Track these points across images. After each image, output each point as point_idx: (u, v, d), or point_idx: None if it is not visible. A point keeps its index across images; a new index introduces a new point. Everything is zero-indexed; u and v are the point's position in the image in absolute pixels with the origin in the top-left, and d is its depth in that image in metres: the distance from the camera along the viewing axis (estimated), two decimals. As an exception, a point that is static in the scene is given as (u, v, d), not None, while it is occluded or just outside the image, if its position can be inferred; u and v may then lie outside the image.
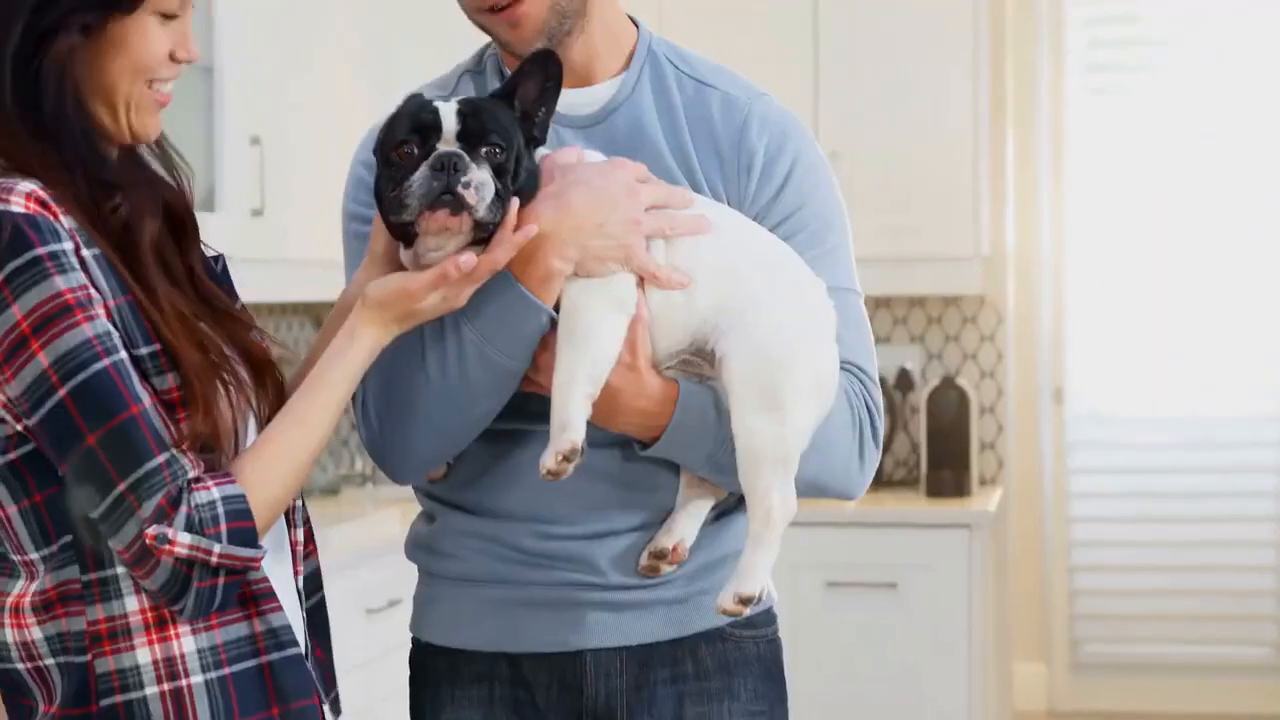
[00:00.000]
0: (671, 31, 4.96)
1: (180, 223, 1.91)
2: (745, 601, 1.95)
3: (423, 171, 1.85)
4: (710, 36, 5.02)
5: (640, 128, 2.10)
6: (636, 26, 2.17)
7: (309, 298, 4.53)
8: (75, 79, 1.80)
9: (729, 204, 2.08)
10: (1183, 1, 6.02)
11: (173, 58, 1.86)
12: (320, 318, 5.06)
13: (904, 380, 5.56)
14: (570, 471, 1.90)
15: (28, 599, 1.80)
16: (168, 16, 1.84)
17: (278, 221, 4.12)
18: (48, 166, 1.78)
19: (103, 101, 1.84)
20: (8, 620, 1.82)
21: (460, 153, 1.86)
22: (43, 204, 1.74)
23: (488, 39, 2.13)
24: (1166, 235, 5.96)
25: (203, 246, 1.99)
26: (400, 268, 1.93)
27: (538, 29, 2.04)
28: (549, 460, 1.89)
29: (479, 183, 1.85)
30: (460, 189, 1.84)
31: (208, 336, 1.83)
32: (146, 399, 1.73)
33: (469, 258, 1.85)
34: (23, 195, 1.73)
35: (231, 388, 1.82)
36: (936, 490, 5.31)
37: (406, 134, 1.88)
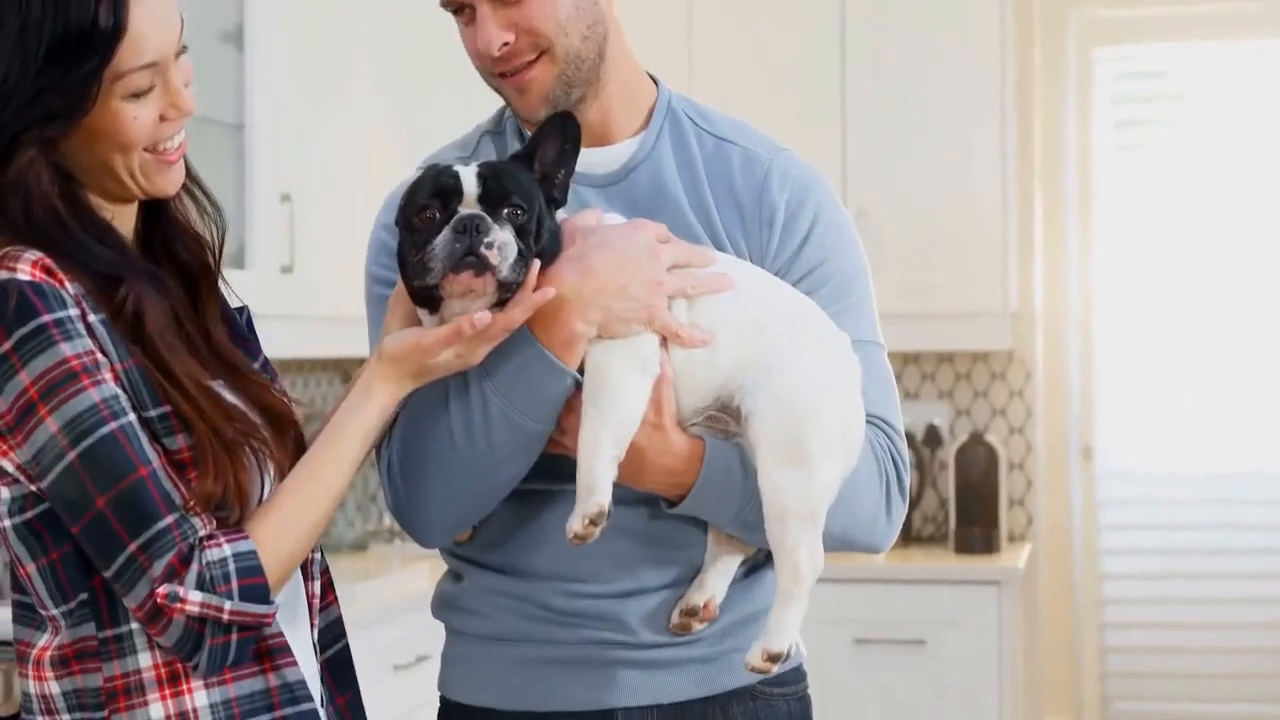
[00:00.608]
0: (700, 89, 4.99)
1: (197, 283, 1.92)
2: (774, 659, 1.94)
3: (445, 234, 1.85)
4: (739, 94, 5.05)
5: (661, 185, 2.10)
6: (656, 84, 2.18)
7: (338, 353, 4.54)
8: (43, 188, 1.80)
9: (751, 260, 2.08)
10: (1208, 56, 6.01)
11: (163, 118, 1.85)
12: (349, 374, 5.07)
13: (932, 436, 5.54)
14: (597, 535, 1.89)
15: (48, 653, 1.82)
16: (138, 94, 1.83)
17: (307, 278, 4.14)
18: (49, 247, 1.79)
19: (107, 174, 1.85)
20: (30, 672, 1.84)
21: (482, 214, 1.86)
22: (48, 271, 1.75)
23: None
24: (1195, 290, 5.94)
25: (228, 298, 2.00)
26: None
27: (544, 96, 2.05)
28: (576, 524, 1.89)
29: (502, 243, 1.85)
30: (483, 250, 1.84)
31: (219, 398, 1.83)
32: (155, 460, 1.75)
33: (484, 315, 1.85)
34: (29, 263, 1.75)
35: (246, 448, 1.82)
36: (965, 547, 5.29)
37: (428, 198, 1.88)
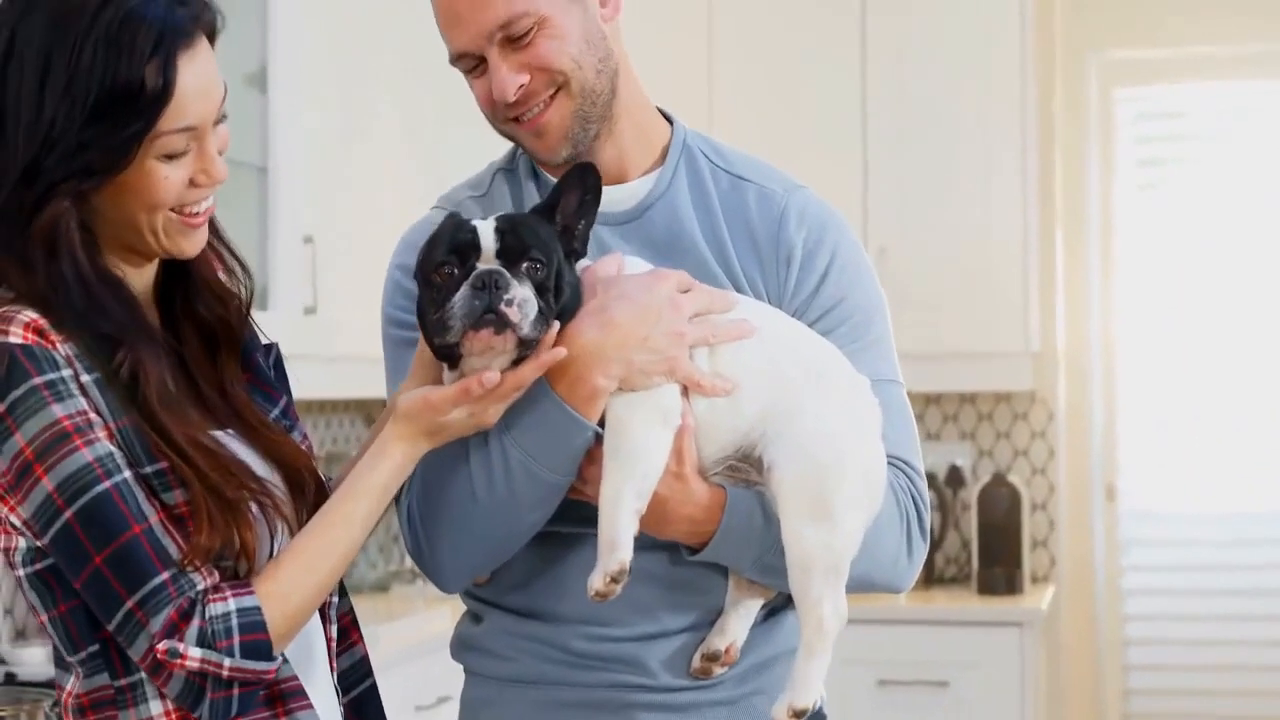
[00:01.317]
0: (721, 128, 5.00)
1: (216, 340, 1.93)
2: (800, 714, 1.92)
3: (464, 291, 1.83)
4: (760, 133, 5.06)
5: (677, 223, 2.10)
6: (670, 122, 2.18)
7: (361, 395, 4.54)
8: (69, 239, 1.80)
9: (768, 298, 2.07)
10: (1228, 96, 6.01)
11: (193, 183, 1.85)
12: (371, 415, 5.07)
13: (955, 477, 5.53)
14: (619, 592, 1.88)
15: (71, 699, 1.83)
16: (174, 156, 1.83)
17: (330, 319, 4.15)
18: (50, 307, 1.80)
19: (130, 230, 1.85)
20: (65, 716, 1.85)
21: (501, 270, 1.84)
22: (40, 333, 1.77)
23: None
24: (1218, 329, 5.93)
25: (257, 334, 2.00)
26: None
27: (562, 136, 2.05)
28: (597, 582, 1.87)
29: (521, 300, 1.83)
30: (503, 307, 1.82)
31: (219, 454, 1.83)
32: (151, 517, 1.76)
33: (492, 374, 1.84)
34: (21, 326, 1.76)
35: (251, 503, 1.82)
36: (988, 588, 5.27)
37: (445, 255, 1.86)
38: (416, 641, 4.05)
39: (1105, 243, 5.98)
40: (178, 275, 1.95)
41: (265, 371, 2.01)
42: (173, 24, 1.80)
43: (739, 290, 2.06)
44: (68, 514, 1.73)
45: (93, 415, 1.76)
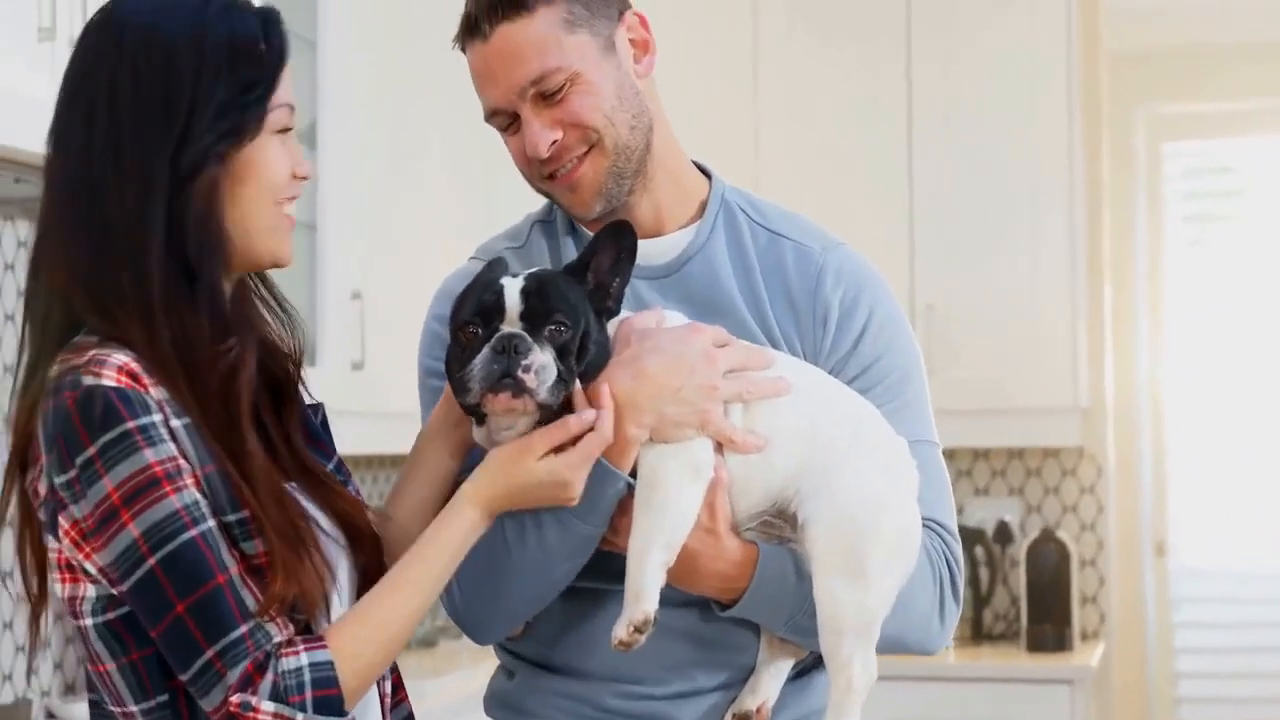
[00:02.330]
0: (767, 185, 5.02)
1: (281, 388, 1.94)
2: None
3: (484, 354, 1.84)
4: (806, 190, 5.07)
5: (714, 278, 2.10)
6: (708, 176, 2.18)
7: (408, 449, 4.55)
8: (219, 213, 1.84)
9: (804, 356, 2.07)
10: (1277, 149, 6.00)
11: (294, 175, 1.90)
12: (418, 470, 5.08)
13: (1003, 533, 5.50)
14: (642, 642, 1.87)
15: None
16: (284, 131, 1.89)
17: (377, 375, 4.17)
18: (147, 335, 1.81)
19: (239, 231, 1.87)
20: None
21: (521, 334, 1.84)
22: (133, 377, 1.77)
23: None
24: (1267, 385, 5.90)
25: (303, 394, 2.01)
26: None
27: (596, 192, 2.06)
28: (621, 632, 1.87)
29: (539, 366, 1.83)
30: (520, 373, 1.83)
31: (294, 502, 1.84)
32: (233, 568, 1.76)
33: (590, 413, 1.86)
34: (114, 369, 1.76)
35: (318, 554, 1.82)
36: (1037, 645, 5.24)
37: (471, 315, 1.88)
38: (462, 697, 4.03)
39: (1153, 297, 5.96)
40: None
41: (316, 428, 2.02)
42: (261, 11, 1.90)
43: (775, 347, 2.06)
44: (151, 561, 1.73)
45: (182, 461, 1.77)
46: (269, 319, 1.99)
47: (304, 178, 1.92)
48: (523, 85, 2.01)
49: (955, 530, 2.10)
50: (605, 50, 2.04)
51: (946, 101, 5.33)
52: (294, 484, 1.89)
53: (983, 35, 5.31)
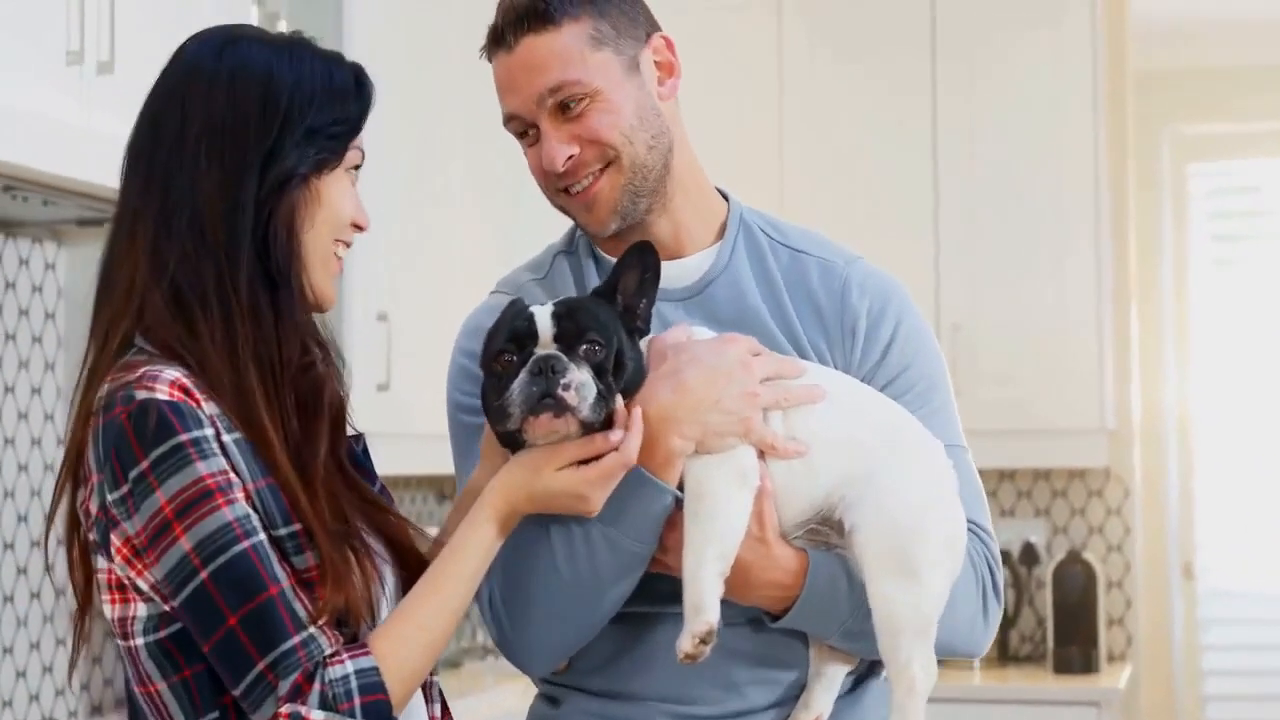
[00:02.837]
0: (792, 206, 5.01)
1: (335, 412, 1.96)
2: None
3: (522, 377, 1.85)
4: (831, 210, 5.07)
5: (740, 297, 2.11)
6: (726, 199, 2.19)
7: (435, 471, 4.55)
8: (299, 230, 1.88)
9: (836, 368, 2.08)
10: (1305, 171, 5.99)
11: (353, 223, 1.94)
12: (443, 490, 5.09)
13: (1029, 554, 5.48)
14: (707, 654, 1.88)
15: None
16: (355, 168, 1.95)
17: (403, 396, 4.17)
18: (228, 339, 1.84)
19: (306, 261, 1.90)
20: None
21: (558, 354, 1.85)
22: (186, 391, 1.79)
23: None
24: (1296, 406, 5.88)
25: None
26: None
27: (611, 210, 2.07)
28: (685, 644, 1.87)
29: (579, 383, 1.84)
30: (560, 391, 1.84)
31: (345, 515, 1.86)
32: (285, 580, 1.77)
33: (618, 433, 1.87)
34: (167, 383, 1.78)
35: (367, 563, 1.84)
36: (1064, 666, 5.22)
37: (504, 343, 1.88)
38: (489, 718, 4.04)
39: (1180, 317, 5.95)
40: None
41: (359, 455, 2.03)
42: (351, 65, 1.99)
43: (807, 360, 2.06)
44: (204, 574, 1.74)
45: (233, 475, 1.78)
46: (313, 346, 2.00)
47: (361, 228, 1.96)
48: (541, 93, 2.02)
49: (992, 530, 2.11)
50: (629, 70, 2.05)
51: (972, 122, 5.33)
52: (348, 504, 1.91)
53: (1008, 56, 5.31)
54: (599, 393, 1.86)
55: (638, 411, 1.89)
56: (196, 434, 1.77)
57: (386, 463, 4.05)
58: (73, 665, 2.03)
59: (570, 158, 2.04)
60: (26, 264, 3.45)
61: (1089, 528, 5.60)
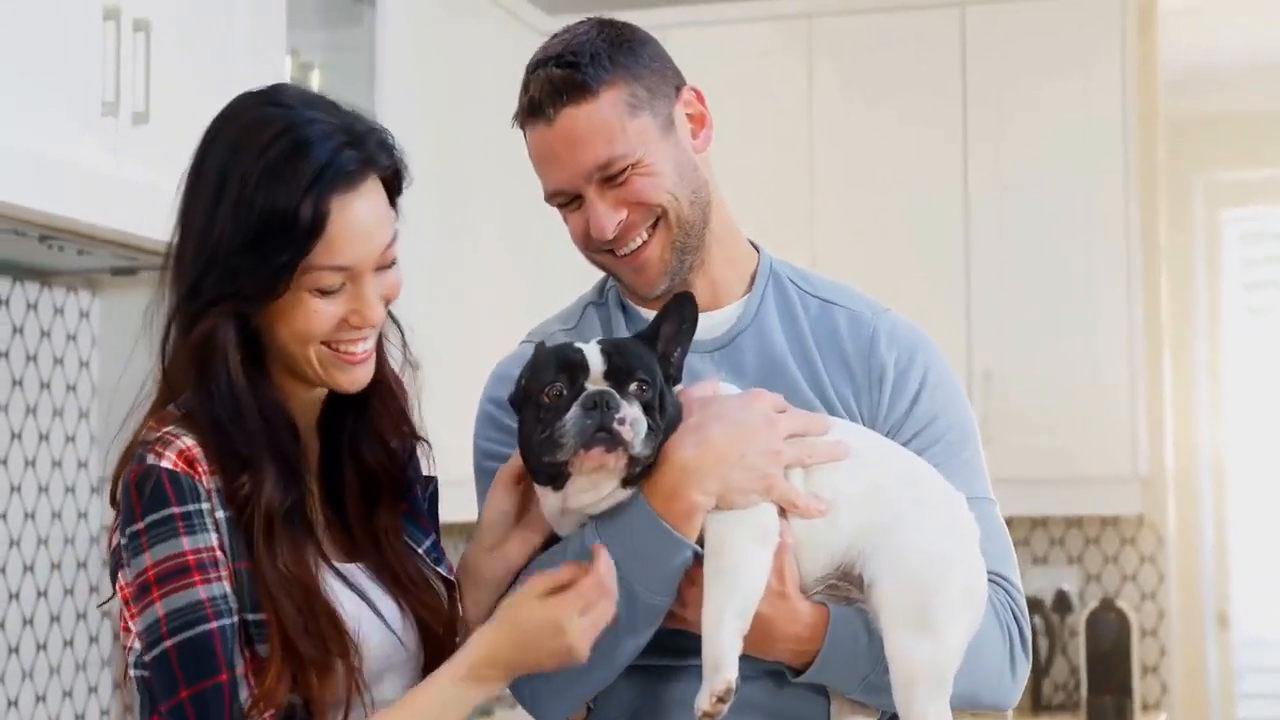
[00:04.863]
0: (823, 254, 5.00)
1: (377, 484, 1.96)
2: None
3: (575, 410, 1.86)
4: (862, 259, 5.07)
5: (768, 348, 2.12)
6: (756, 250, 2.20)
7: (464, 518, 4.56)
8: (221, 355, 1.85)
9: (862, 419, 2.09)
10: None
11: (346, 322, 1.90)
12: (471, 537, 5.08)
13: (1062, 602, 5.45)
14: (724, 712, 1.87)
15: None
16: (325, 292, 1.88)
17: (434, 444, 4.18)
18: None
19: (288, 356, 1.91)
20: None
21: (611, 390, 1.87)
22: (190, 463, 1.82)
23: None
24: (1330, 454, 5.85)
25: (421, 464, 2.03)
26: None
27: (662, 271, 2.08)
28: (704, 703, 1.87)
29: (633, 419, 1.86)
30: (616, 425, 1.85)
31: (313, 602, 1.84)
32: (238, 669, 1.80)
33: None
34: (175, 452, 1.82)
35: (338, 662, 1.83)
36: (1098, 716, 5.18)
37: (554, 375, 1.89)
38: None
39: (1213, 364, 5.93)
40: (344, 415, 1.99)
41: (420, 503, 2.04)
42: (336, 163, 1.85)
43: (832, 412, 2.07)
44: (168, 643, 1.79)
45: (219, 553, 1.82)
46: (388, 418, 2.02)
47: (359, 327, 1.91)
48: (589, 171, 2.03)
49: (1019, 583, 2.11)
50: (665, 129, 2.07)
51: (1003, 169, 5.32)
52: (361, 565, 1.93)
53: (1039, 103, 5.31)
54: (649, 428, 1.87)
55: (603, 550, 1.88)
56: (190, 508, 1.81)
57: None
58: (120, 684, 2.08)
59: (619, 223, 2.05)
60: (61, 313, 3.47)
61: (1122, 575, 5.57)
